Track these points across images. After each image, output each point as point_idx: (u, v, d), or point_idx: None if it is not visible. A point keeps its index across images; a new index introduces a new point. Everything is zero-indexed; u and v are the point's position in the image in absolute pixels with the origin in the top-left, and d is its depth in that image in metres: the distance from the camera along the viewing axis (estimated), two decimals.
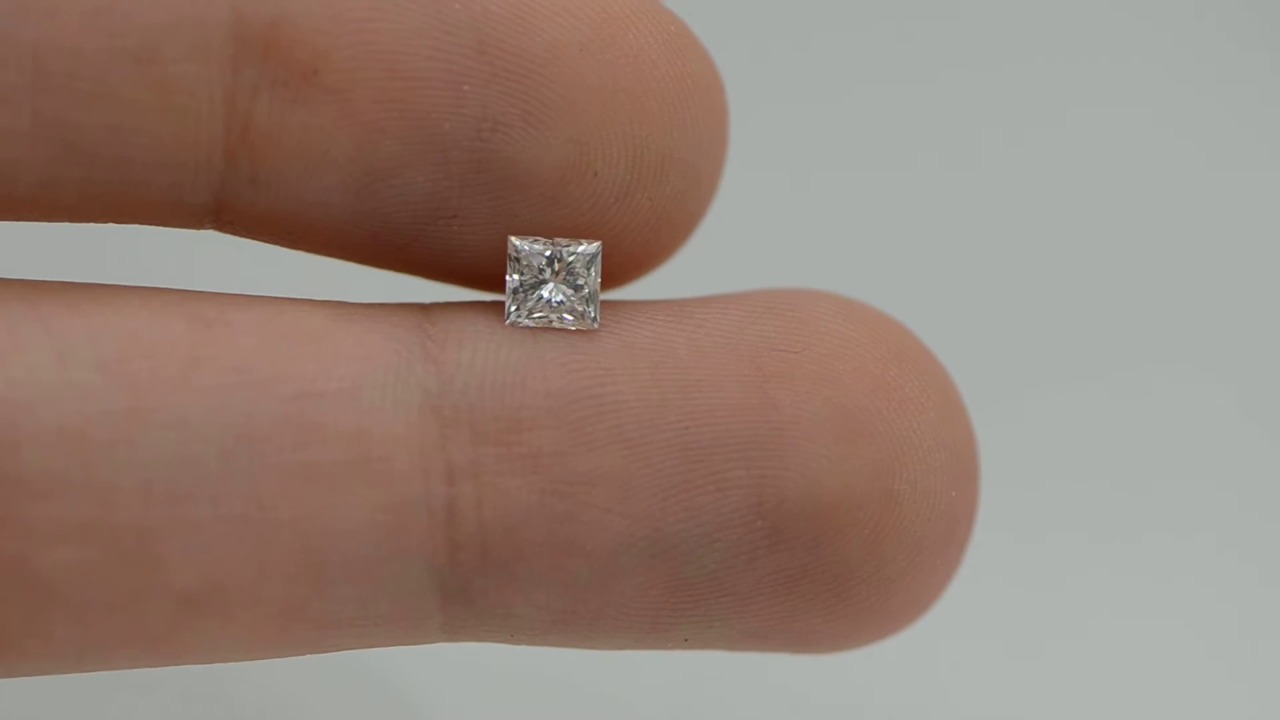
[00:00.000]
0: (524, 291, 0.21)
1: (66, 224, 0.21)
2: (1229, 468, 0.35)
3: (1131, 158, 0.38)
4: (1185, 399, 0.36)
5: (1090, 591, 0.33)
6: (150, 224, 0.21)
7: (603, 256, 0.21)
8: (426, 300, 0.22)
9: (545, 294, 0.21)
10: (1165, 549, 0.34)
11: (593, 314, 0.21)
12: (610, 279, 0.22)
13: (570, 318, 0.21)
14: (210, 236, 0.21)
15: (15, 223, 0.20)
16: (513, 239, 0.21)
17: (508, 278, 0.21)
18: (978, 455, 0.22)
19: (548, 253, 0.21)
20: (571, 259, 0.21)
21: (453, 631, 0.21)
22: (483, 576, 0.21)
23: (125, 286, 0.20)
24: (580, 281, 0.21)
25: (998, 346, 0.35)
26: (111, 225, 0.21)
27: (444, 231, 0.21)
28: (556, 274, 0.21)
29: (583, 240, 0.21)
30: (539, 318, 0.21)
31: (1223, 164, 0.39)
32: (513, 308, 0.21)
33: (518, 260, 0.21)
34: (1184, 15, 0.39)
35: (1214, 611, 0.33)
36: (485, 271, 0.21)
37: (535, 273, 0.21)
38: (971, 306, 0.36)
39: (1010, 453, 0.28)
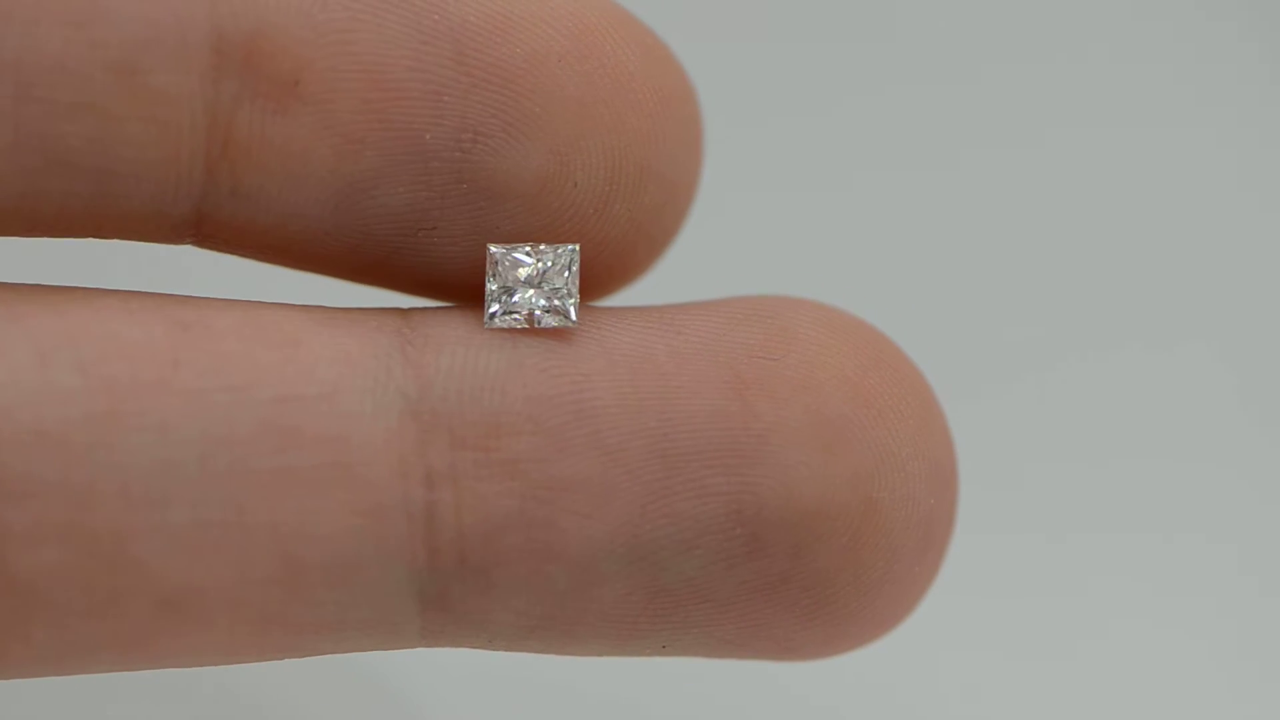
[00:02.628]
0: (503, 294, 0.21)
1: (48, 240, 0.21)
2: (1222, 458, 0.35)
3: (1116, 145, 0.38)
4: (1174, 395, 0.36)
5: (1079, 590, 0.33)
6: (130, 238, 0.21)
7: (581, 268, 0.21)
8: (405, 305, 0.22)
9: (524, 295, 0.21)
10: (1156, 543, 0.34)
11: (571, 312, 0.21)
12: (588, 291, 0.22)
13: (549, 316, 0.21)
14: (190, 252, 0.21)
15: None
16: (491, 246, 0.21)
17: (487, 281, 0.21)
18: (956, 463, 0.23)
19: (526, 255, 0.21)
20: (549, 260, 0.21)
21: (431, 636, 0.21)
22: (461, 582, 0.21)
23: (105, 290, 0.20)
24: (558, 282, 0.21)
25: (978, 351, 0.35)
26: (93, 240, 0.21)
27: (424, 243, 0.21)
28: (535, 275, 0.21)
29: (561, 244, 0.21)
30: (517, 318, 0.21)
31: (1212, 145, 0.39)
32: (492, 310, 0.21)
33: (496, 264, 0.21)
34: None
35: (1210, 611, 0.33)
36: (465, 284, 0.22)
37: (514, 275, 0.21)
38: (950, 311, 0.36)
39: (992, 455, 0.28)
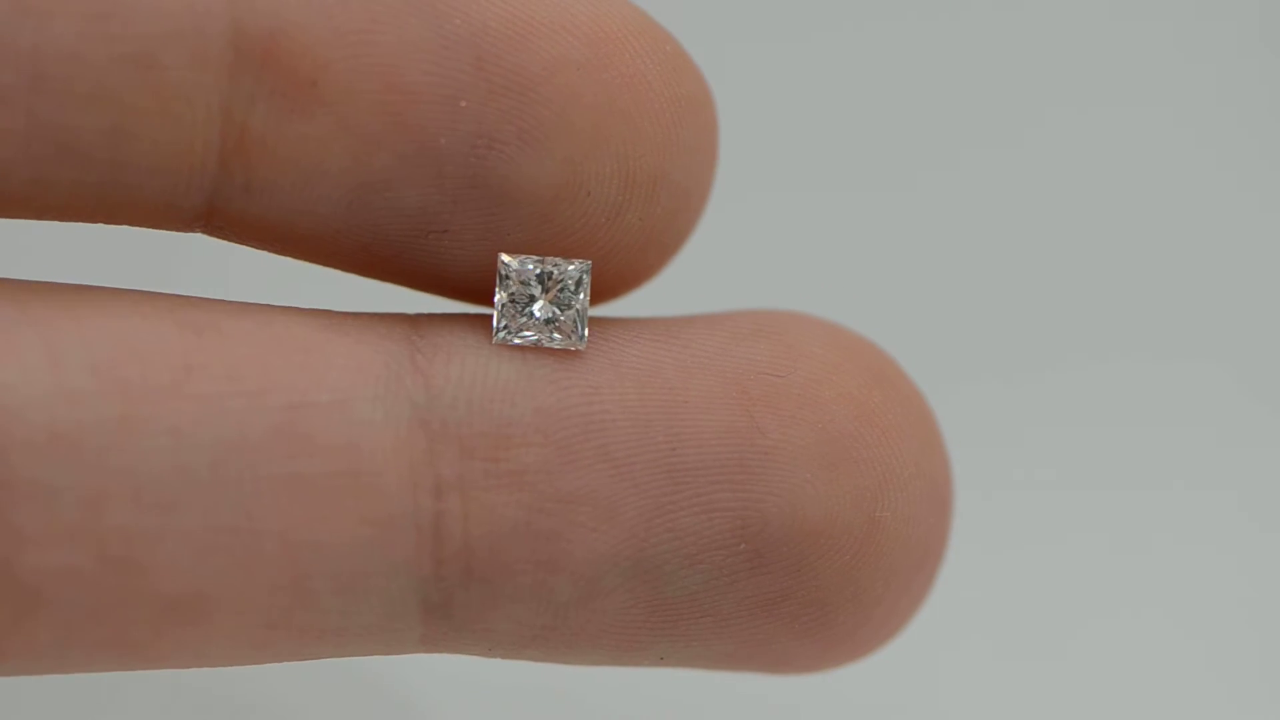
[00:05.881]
0: (512, 309, 0.21)
1: (57, 223, 0.21)
2: (1220, 462, 0.36)
3: (1118, 150, 0.38)
4: (1168, 405, 0.36)
5: (1070, 596, 0.33)
6: (141, 226, 0.21)
7: (591, 273, 0.21)
8: (414, 309, 0.22)
9: (533, 312, 0.21)
10: (1147, 552, 0.34)
11: (580, 334, 0.21)
12: (597, 295, 0.22)
13: (558, 336, 0.21)
14: (199, 239, 0.21)
15: (6, 222, 0.20)
16: (503, 256, 0.21)
17: (496, 295, 0.21)
18: (953, 483, 0.23)
19: (537, 271, 0.21)
20: (561, 278, 0.21)
21: (432, 643, 0.21)
22: (466, 591, 0.21)
23: (118, 290, 0.20)
24: (569, 301, 0.21)
25: (980, 371, 0.35)
26: (101, 225, 0.21)
27: (434, 245, 0.21)
28: (545, 292, 0.21)
29: (572, 259, 0.21)
30: (526, 336, 0.21)
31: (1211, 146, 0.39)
32: (500, 325, 0.21)
33: (507, 278, 0.21)
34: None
35: (1207, 616, 0.34)
36: (474, 286, 0.21)
37: (524, 290, 0.21)
38: (954, 330, 0.36)
39: (984, 463, 0.29)
